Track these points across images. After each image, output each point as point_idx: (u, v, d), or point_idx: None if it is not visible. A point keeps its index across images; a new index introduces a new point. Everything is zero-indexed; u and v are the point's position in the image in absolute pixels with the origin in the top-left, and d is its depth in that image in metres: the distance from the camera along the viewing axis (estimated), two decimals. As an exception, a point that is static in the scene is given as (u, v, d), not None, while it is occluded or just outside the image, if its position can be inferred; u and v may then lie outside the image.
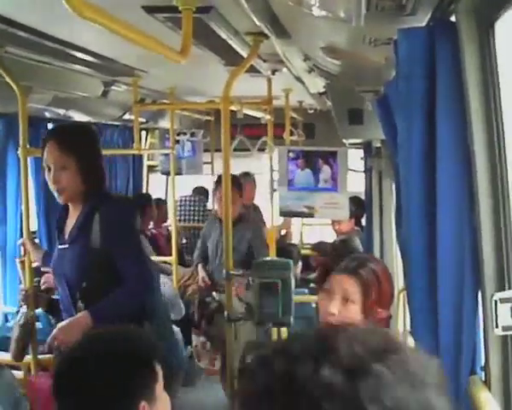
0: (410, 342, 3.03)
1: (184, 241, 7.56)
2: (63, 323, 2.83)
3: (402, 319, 3.83)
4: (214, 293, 5.28)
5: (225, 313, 3.39)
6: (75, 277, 2.89)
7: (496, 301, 1.55)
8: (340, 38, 2.20)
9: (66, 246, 2.94)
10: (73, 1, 1.55)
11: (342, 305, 2.11)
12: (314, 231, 8.07)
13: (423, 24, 1.76)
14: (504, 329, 1.55)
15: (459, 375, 1.72)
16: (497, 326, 1.54)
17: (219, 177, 5.20)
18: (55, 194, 2.90)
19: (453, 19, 1.59)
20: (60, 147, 2.83)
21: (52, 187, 2.89)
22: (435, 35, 1.61)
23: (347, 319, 2.07)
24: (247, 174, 6.78)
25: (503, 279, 1.59)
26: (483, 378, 1.71)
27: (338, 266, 2.18)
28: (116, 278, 2.84)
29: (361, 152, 5.79)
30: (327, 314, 2.11)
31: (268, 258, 5.12)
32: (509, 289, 1.58)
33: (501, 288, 1.58)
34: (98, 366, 1.64)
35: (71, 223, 2.97)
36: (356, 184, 5.80)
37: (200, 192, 7.84)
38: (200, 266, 5.49)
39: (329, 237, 6.95)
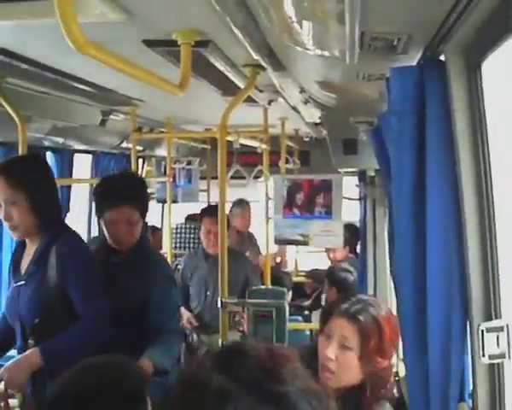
0: (402, 369, 3.08)
1: (180, 268, 7.57)
2: (10, 362, 2.64)
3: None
4: (203, 336, 4.97)
5: (219, 341, 3.39)
6: (29, 313, 2.75)
7: (482, 331, 1.59)
8: (334, 74, 2.27)
9: (23, 282, 2.81)
10: (77, 40, 1.61)
11: (339, 350, 2.05)
12: (309, 259, 8.10)
13: (414, 62, 1.82)
14: (491, 357, 1.60)
15: (448, 402, 1.76)
16: (483, 355, 1.59)
17: (203, 210, 5.14)
18: (10, 231, 2.79)
19: (443, 58, 1.65)
20: (8, 182, 2.71)
21: (5, 224, 2.79)
22: (425, 73, 1.67)
23: (344, 366, 2.04)
24: (242, 201, 6.81)
25: (490, 309, 1.64)
26: (471, 406, 1.75)
27: (338, 309, 2.10)
28: (74, 315, 2.73)
29: (356, 179, 5.84)
30: (324, 358, 2.06)
31: (262, 286, 5.16)
32: (496, 318, 1.63)
33: (488, 318, 1.63)
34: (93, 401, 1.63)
35: (27, 258, 2.85)
36: (351, 211, 5.85)
37: (194, 219, 7.84)
38: (182, 309, 4.86)
39: (324, 264, 7.00)
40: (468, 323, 1.71)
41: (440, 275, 1.73)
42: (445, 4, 1.36)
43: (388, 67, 1.79)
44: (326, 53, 1.77)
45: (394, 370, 3.60)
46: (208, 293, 4.97)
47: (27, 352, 2.66)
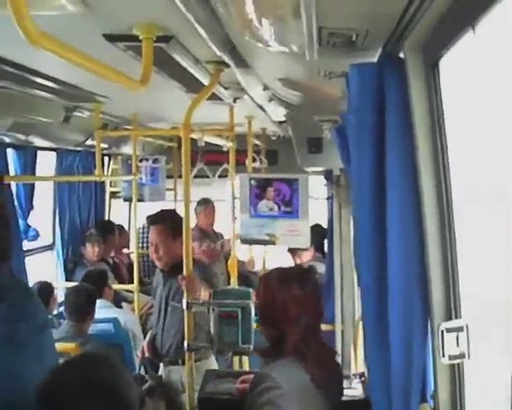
0: (365, 370, 3.07)
1: (146, 268, 7.53)
2: None
3: (360, 347, 3.85)
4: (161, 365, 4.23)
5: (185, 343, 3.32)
6: None
7: (442, 331, 1.58)
8: (295, 71, 2.24)
9: None
10: (30, 31, 1.56)
11: None
12: (277, 258, 8.09)
13: (375, 59, 1.81)
14: (451, 358, 1.59)
15: (410, 403, 1.75)
16: (444, 355, 1.58)
17: (149, 217, 4.35)
18: None
19: (402, 55, 1.64)
20: None
21: None
22: (384, 70, 1.66)
23: None
24: (205, 200, 6.82)
25: (450, 309, 1.63)
26: (433, 406, 1.75)
27: None
28: None
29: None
30: None
31: (228, 287, 5.12)
32: (456, 318, 1.62)
33: (448, 318, 1.62)
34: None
35: None
36: (320, 212, 5.85)
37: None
38: (150, 332, 4.34)
39: (292, 263, 6.99)
40: (429, 323, 1.70)
41: (401, 275, 1.72)
42: (401, 0, 1.35)
43: (348, 64, 1.77)
44: (286, 49, 1.75)
45: (361, 370, 3.62)
46: (161, 314, 4.20)
47: None
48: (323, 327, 4.55)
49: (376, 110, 1.68)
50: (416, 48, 1.55)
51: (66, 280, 6.28)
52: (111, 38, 2.58)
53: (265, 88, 3.23)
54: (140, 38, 2.46)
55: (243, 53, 2.62)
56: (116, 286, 6.13)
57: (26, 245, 5.82)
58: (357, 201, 1.85)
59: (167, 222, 4.09)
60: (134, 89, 2.55)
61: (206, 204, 6.79)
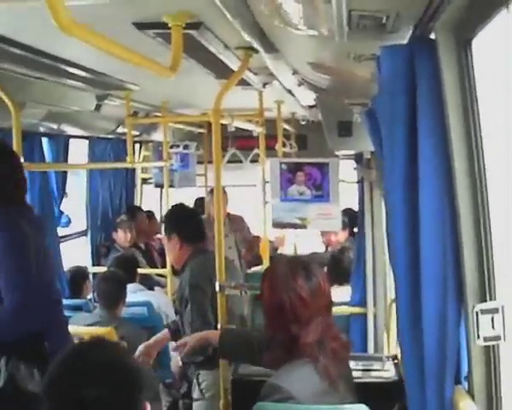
0: (398, 352, 3.07)
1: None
2: None
3: (393, 329, 3.85)
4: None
5: (218, 325, 3.32)
6: None
7: (477, 313, 1.58)
8: (325, 55, 2.24)
9: None
10: (62, 20, 1.58)
11: None
12: (307, 242, 8.09)
13: (405, 41, 1.79)
14: (486, 339, 1.58)
15: (444, 385, 1.75)
16: (478, 337, 1.57)
17: (167, 214, 4.11)
18: None
19: (433, 36, 1.63)
20: None
21: None
22: (415, 52, 1.65)
23: None
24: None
25: (485, 291, 1.62)
26: (467, 388, 1.74)
27: None
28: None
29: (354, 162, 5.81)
30: None
31: (259, 269, 5.13)
32: (490, 300, 1.61)
33: (482, 299, 1.62)
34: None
35: None
36: (350, 195, 5.83)
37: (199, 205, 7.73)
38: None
39: (321, 247, 7.01)
40: (462, 305, 1.69)
41: (434, 257, 1.71)
42: (434, -20, 1.34)
43: (378, 46, 1.76)
44: (315, 33, 1.74)
45: (393, 352, 3.62)
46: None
47: None
48: (354, 310, 4.61)
49: (408, 92, 1.66)
50: (447, 28, 1.53)
51: (98, 265, 6.36)
52: (141, 25, 2.60)
53: (295, 72, 3.23)
54: (169, 25, 2.48)
55: (272, 38, 2.62)
56: (149, 270, 6.20)
57: (61, 232, 5.91)
58: (389, 184, 1.84)
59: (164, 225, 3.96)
60: (164, 76, 2.57)
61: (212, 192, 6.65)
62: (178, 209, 4.05)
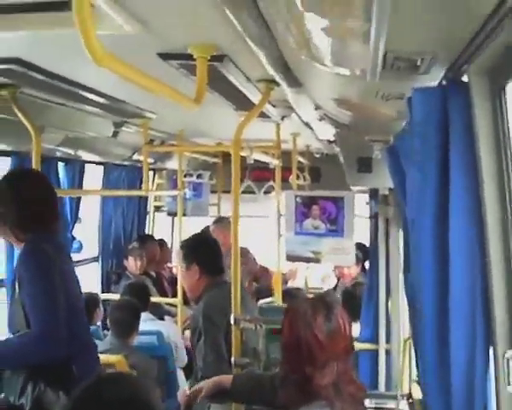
0: (417, 392, 3.02)
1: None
2: None
3: (407, 368, 3.79)
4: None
5: (232, 359, 3.28)
6: (9, 327, 2.78)
7: (508, 359, 1.55)
8: (352, 92, 2.23)
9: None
10: (96, 52, 1.59)
11: None
12: (317, 274, 8.05)
13: (436, 82, 1.79)
14: (516, 387, 1.55)
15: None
16: (509, 384, 1.54)
17: (188, 242, 3.85)
18: None
19: (465, 79, 1.62)
20: None
21: None
22: (448, 94, 1.64)
23: None
24: (221, 218, 6.50)
25: (515, 337, 1.60)
26: (494, 435, 1.71)
27: None
28: None
29: (365, 197, 5.79)
30: None
31: (274, 303, 5.11)
32: (522, 346, 1.58)
33: (512, 345, 1.59)
34: None
35: None
36: (360, 230, 5.80)
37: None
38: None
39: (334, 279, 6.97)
40: (491, 350, 1.66)
41: (463, 299, 1.69)
42: (472, 24, 1.33)
43: (409, 87, 1.76)
44: (346, 71, 1.74)
45: (407, 391, 3.57)
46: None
47: None
48: (364, 346, 4.55)
49: (440, 134, 1.66)
50: (481, 72, 1.53)
51: (108, 292, 6.33)
52: (166, 56, 2.62)
53: (317, 108, 3.23)
54: (194, 57, 2.49)
55: (296, 72, 2.63)
56: (160, 299, 6.17)
57: (73, 257, 5.89)
58: (417, 223, 1.82)
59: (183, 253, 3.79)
60: (188, 107, 2.58)
61: (220, 222, 6.34)
62: (201, 239, 3.95)
